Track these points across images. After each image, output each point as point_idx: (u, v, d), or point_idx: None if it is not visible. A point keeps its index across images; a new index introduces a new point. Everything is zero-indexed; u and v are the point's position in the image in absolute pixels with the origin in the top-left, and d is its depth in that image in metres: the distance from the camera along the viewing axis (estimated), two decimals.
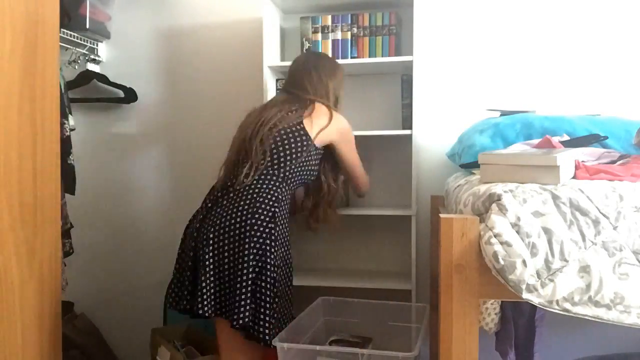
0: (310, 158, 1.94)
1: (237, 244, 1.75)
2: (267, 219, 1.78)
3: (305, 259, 2.55)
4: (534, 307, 1.82)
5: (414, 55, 2.20)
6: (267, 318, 1.72)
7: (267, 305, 1.73)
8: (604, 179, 1.33)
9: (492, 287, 1.19)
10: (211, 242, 1.77)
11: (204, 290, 1.73)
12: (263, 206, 1.79)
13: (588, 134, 1.70)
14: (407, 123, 2.29)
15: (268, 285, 1.74)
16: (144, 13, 2.68)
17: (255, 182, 1.84)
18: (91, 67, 2.63)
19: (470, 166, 1.81)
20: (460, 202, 1.40)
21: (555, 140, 1.58)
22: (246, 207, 1.78)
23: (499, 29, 2.37)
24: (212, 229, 1.78)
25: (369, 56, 2.31)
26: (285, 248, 1.87)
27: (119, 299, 2.73)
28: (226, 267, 1.76)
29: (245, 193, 1.82)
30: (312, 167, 1.98)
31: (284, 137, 1.89)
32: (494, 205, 1.19)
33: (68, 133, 2.20)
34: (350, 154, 2.09)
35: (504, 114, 2.00)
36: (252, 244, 1.74)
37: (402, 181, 2.42)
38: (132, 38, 2.69)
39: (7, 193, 1.62)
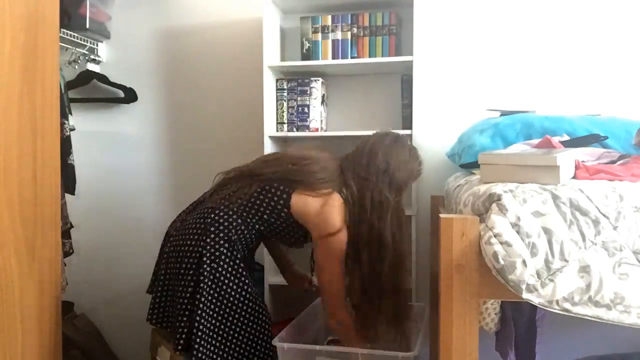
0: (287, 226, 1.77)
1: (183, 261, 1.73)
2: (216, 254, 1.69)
3: (305, 259, 2.55)
4: (534, 307, 1.82)
5: (414, 55, 2.19)
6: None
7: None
8: (604, 179, 1.33)
9: (492, 287, 1.19)
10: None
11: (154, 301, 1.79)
12: (214, 238, 1.70)
13: (588, 134, 1.70)
14: (407, 123, 2.30)
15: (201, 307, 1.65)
16: (144, 13, 2.68)
17: (218, 209, 1.74)
18: (91, 67, 2.63)
19: (470, 166, 1.81)
20: (460, 202, 1.40)
21: (555, 140, 1.58)
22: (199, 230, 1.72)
23: (499, 29, 2.37)
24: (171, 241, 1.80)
25: (369, 56, 2.31)
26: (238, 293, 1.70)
27: (119, 299, 2.73)
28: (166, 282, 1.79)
29: (202, 216, 1.75)
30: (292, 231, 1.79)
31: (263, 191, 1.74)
32: (494, 205, 1.19)
33: (68, 133, 2.20)
34: (324, 259, 1.72)
35: (504, 114, 2.00)
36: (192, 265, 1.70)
37: None
38: (132, 38, 2.69)
39: (7, 193, 1.62)
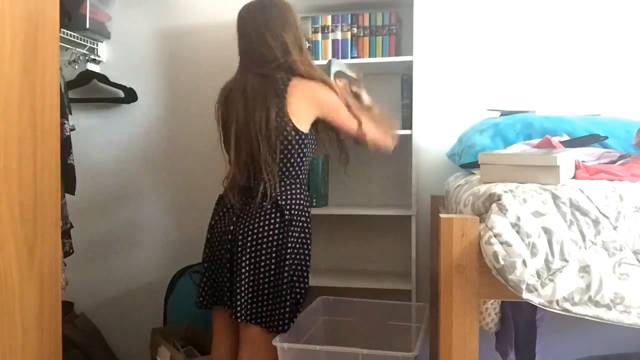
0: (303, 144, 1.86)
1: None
2: (282, 226, 1.79)
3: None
4: (534, 307, 1.82)
5: (414, 55, 2.19)
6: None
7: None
8: (604, 179, 1.33)
9: (492, 287, 1.19)
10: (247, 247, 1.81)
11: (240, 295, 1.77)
12: (277, 213, 1.79)
13: (588, 134, 1.70)
14: (407, 123, 2.29)
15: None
16: (144, 13, 2.68)
17: (266, 186, 1.81)
18: (91, 67, 2.62)
19: (470, 166, 1.81)
20: (460, 202, 1.40)
21: (555, 140, 1.58)
22: (263, 214, 1.79)
23: (499, 29, 2.37)
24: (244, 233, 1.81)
25: (369, 56, 2.31)
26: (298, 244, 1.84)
27: (119, 299, 2.73)
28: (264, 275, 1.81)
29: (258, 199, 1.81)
30: (310, 150, 1.91)
31: (281, 140, 1.83)
32: (494, 205, 1.19)
33: (68, 133, 2.19)
34: (341, 119, 1.90)
35: (504, 114, 2.00)
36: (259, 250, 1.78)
37: (402, 181, 2.42)
38: (132, 38, 2.69)
39: (7, 193, 1.62)
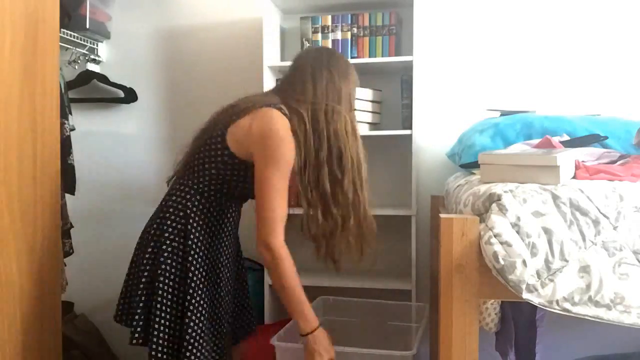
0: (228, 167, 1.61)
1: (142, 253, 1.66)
2: (175, 232, 1.61)
3: (305, 259, 2.54)
4: (534, 307, 1.82)
5: (414, 55, 2.19)
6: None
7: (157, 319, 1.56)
8: (604, 179, 1.33)
9: (492, 287, 1.19)
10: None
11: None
12: (172, 219, 1.62)
13: (588, 134, 1.70)
14: (407, 123, 2.30)
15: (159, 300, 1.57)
16: (144, 13, 2.68)
17: (172, 190, 1.69)
18: (91, 67, 2.62)
19: (470, 166, 1.81)
20: (460, 202, 1.40)
21: (555, 140, 1.58)
22: (157, 219, 1.66)
23: (499, 29, 2.37)
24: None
25: (369, 56, 2.31)
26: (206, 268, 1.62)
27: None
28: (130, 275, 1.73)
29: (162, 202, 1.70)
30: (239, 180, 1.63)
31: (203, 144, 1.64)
32: (494, 205, 1.19)
33: (68, 133, 2.20)
34: (263, 172, 1.51)
35: (504, 114, 2.00)
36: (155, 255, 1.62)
37: (402, 181, 2.42)
38: (132, 38, 2.69)
39: (7, 193, 1.62)
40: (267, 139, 1.50)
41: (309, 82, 1.60)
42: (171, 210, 1.64)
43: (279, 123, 1.52)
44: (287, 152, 1.51)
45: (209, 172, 1.62)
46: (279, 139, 1.50)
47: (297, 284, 1.54)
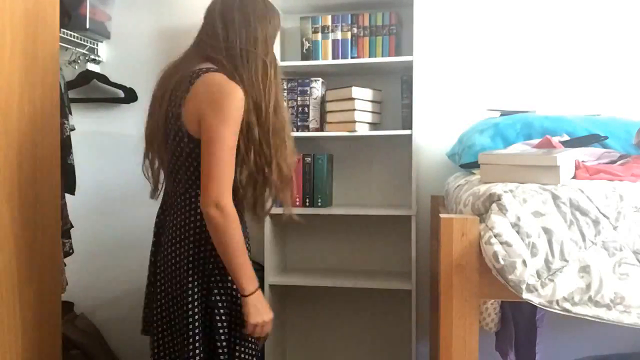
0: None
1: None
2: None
3: (305, 259, 2.55)
4: (534, 307, 1.82)
5: (414, 55, 2.19)
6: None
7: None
8: (604, 179, 1.33)
9: (492, 287, 1.19)
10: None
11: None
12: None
13: (588, 134, 1.70)
14: (407, 123, 2.29)
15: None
16: (144, 13, 2.67)
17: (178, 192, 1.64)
18: (91, 67, 2.62)
19: (470, 166, 1.81)
20: (460, 202, 1.40)
21: (555, 140, 1.58)
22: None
23: (499, 29, 2.37)
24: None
25: (369, 56, 2.31)
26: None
27: (119, 299, 2.73)
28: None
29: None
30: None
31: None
32: (494, 205, 1.19)
33: (68, 133, 2.19)
34: (213, 129, 1.44)
35: (504, 114, 2.00)
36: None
37: (402, 181, 2.42)
38: (132, 38, 2.68)
39: (7, 193, 1.62)
40: (214, 94, 1.46)
41: (218, 27, 1.56)
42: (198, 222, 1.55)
43: (223, 81, 1.48)
44: (240, 105, 1.46)
45: (195, 173, 1.56)
46: (226, 94, 1.45)
47: (244, 244, 1.47)
